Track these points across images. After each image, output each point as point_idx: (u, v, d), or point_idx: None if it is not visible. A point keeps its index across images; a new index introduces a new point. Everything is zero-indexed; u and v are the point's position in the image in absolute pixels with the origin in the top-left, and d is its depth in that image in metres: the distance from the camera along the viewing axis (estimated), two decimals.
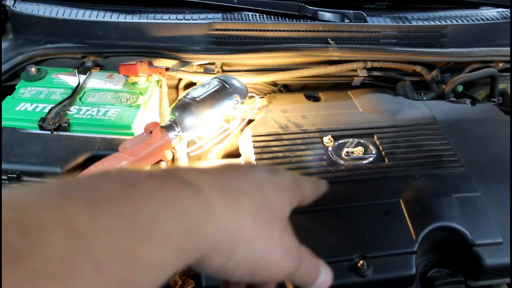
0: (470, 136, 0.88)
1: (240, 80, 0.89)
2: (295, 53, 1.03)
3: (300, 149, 0.83)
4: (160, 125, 0.81)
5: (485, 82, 1.16)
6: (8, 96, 0.96)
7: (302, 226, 0.70)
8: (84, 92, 0.98)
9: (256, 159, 0.81)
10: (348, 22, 1.12)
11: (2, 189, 0.28)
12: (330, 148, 0.83)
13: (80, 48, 1.06)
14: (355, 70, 1.07)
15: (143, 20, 1.10)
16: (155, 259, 0.31)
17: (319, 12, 1.11)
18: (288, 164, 0.80)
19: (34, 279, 0.25)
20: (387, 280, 0.67)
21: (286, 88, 1.12)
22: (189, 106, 0.81)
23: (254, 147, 0.83)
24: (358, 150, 0.82)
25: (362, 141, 0.84)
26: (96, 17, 1.10)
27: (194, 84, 1.08)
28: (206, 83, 0.85)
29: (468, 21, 1.18)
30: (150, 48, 1.05)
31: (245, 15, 1.12)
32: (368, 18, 1.13)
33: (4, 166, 0.82)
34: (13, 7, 1.11)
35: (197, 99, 0.81)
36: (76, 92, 0.96)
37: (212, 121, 0.82)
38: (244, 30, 1.08)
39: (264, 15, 1.13)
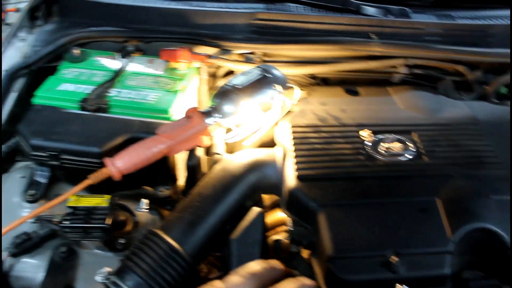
0: None
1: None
2: (337, 46, 1.02)
3: (338, 142, 0.82)
4: (200, 111, 0.82)
5: None
6: (51, 76, 0.99)
7: (338, 219, 0.70)
8: (125, 76, 0.99)
9: (294, 150, 0.81)
10: (391, 17, 1.10)
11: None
12: (368, 143, 0.82)
13: (122, 32, 1.07)
14: (395, 67, 1.06)
15: (186, 6, 1.10)
16: None
17: (363, 6, 1.10)
18: (325, 156, 0.80)
19: None
20: (419, 278, 0.66)
21: (324, 82, 1.11)
22: (230, 93, 0.81)
23: (293, 138, 0.83)
24: (397, 147, 0.81)
25: (401, 137, 0.83)
26: (140, 2, 1.11)
27: (232, 73, 1.09)
28: (247, 72, 0.85)
29: None
30: (192, 34, 1.05)
31: (288, 6, 1.12)
32: (412, 15, 1.11)
33: (45, 143, 0.85)
34: None
35: (238, 86, 0.82)
36: (117, 75, 0.98)
37: (250, 110, 0.83)
38: (287, 21, 1.07)
39: (307, 7, 1.12)
